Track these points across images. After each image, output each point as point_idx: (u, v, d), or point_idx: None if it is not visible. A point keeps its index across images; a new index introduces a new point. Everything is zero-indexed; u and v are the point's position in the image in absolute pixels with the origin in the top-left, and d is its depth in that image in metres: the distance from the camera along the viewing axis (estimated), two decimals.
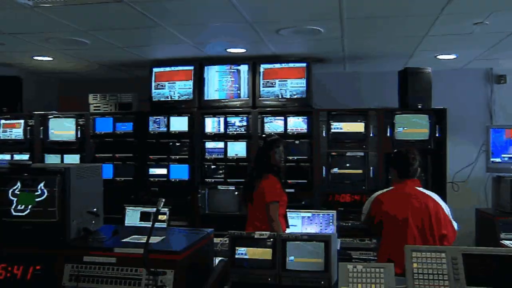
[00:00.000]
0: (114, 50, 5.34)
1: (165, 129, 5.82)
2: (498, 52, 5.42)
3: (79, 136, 6.04)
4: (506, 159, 5.50)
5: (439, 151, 5.31)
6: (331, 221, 4.41)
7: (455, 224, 3.55)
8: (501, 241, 4.99)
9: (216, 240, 3.53)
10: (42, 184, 2.74)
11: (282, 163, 4.24)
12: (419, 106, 5.42)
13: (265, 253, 2.53)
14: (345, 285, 2.31)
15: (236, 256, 2.56)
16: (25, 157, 6.01)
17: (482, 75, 6.49)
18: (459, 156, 6.12)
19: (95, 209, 3.00)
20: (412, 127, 5.35)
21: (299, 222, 4.41)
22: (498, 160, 5.52)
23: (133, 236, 2.86)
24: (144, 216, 4.42)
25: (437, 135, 5.31)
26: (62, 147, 6.07)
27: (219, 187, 5.57)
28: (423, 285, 2.16)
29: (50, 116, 6.16)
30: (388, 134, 5.37)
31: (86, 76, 7.01)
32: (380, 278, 2.30)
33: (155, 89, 5.91)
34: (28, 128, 6.17)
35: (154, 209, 4.13)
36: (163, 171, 5.79)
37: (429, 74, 5.52)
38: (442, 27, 4.38)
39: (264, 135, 4.49)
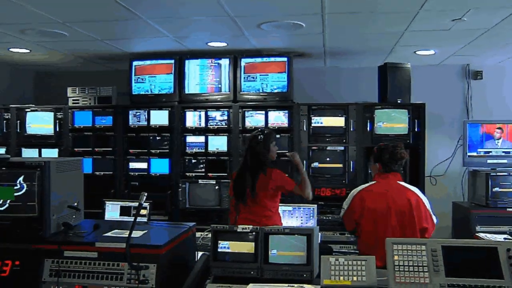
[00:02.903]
0: (93, 43, 5.27)
1: (145, 123, 5.77)
2: (475, 49, 5.51)
3: (57, 129, 5.95)
4: (482, 153, 5.61)
5: (417, 146, 5.38)
6: (311, 214, 4.44)
7: (434, 218, 3.61)
8: (476, 234, 5.09)
9: (197, 234, 3.52)
10: (21, 179, 2.70)
11: (275, 157, 4.23)
12: (399, 101, 5.49)
13: (247, 247, 2.54)
14: (327, 278, 2.34)
15: (219, 250, 2.56)
16: (1, 151, 5.90)
17: (460, 71, 6.59)
18: (437, 151, 6.23)
19: (75, 204, 2.97)
20: (391, 122, 5.42)
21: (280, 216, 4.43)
22: (474, 154, 5.62)
23: (114, 231, 2.85)
24: (124, 211, 4.38)
25: (416, 129, 5.38)
26: (40, 141, 5.98)
27: (200, 181, 5.55)
28: (404, 277, 2.20)
29: (27, 110, 6.05)
30: (368, 129, 5.43)
31: (64, 69, 6.91)
32: (362, 270, 2.34)
33: (135, 82, 5.85)
34: (4, 121, 6.06)
35: (135, 204, 4.14)
36: (144, 165, 5.75)
37: (408, 69, 5.59)
38: (421, 23, 4.43)
39: (249, 128, 4.41)
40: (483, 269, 2.16)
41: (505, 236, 4.84)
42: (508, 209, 5.25)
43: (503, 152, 5.58)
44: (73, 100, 6.04)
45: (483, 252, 2.22)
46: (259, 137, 4.08)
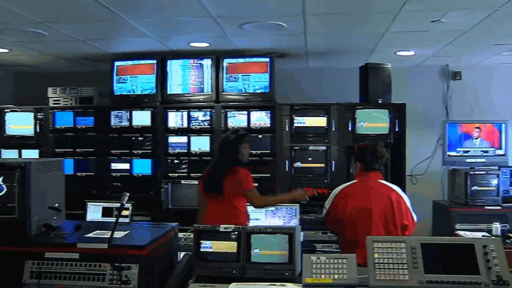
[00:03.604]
0: (74, 43, 5.22)
1: (127, 124, 5.75)
2: (454, 50, 5.59)
3: (37, 130, 5.89)
4: (461, 152, 5.70)
5: (398, 145, 5.45)
6: (294, 214, 4.47)
7: (414, 216, 3.66)
8: (455, 231, 5.19)
9: (180, 234, 3.52)
10: (0, 180, 2.68)
11: (248, 158, 4.28)
12: (380, 101, 5.55)
13: (230, 246, 2.55)
14: (309, 276, 2.36)
15: (201, 250, 2.57)
16: None
17: (439, 72, 6.68)
18: (417, 150, 6.30)
19: (56, 205, 2.96)
20: (372, 122, 5.48)
21: (263, 215, 4.46)
22: (453, 153, 5.71)
23: (96, 231, 2.84)
24: (106, 212, 4.37)
25: (396, 129, 5.45)
26: (20, 142, 5.92)
27: (183, 181, 5.54)
28: (384, 274, 2.23)
29: (6, 110, 5.98)
30: (350, 129, 5.48)
31: (44, 69, 6.83)
32: (343, 268, 2.36)
33: (117, 83, 5.82)
34: None
35: (116, 205, 4.12)
36: (126, 166, 5.72)
37: (389, 70, 5.66)
38: (401, 24, 4.49)
39: (231, 128, 4.46)
40: (460, 266, 2.21)
41: (483, 233, 4.94)
42: (486, 207, 5.35)
43: (481, 151, 5.68)
44: (53, 100, 5.99)
45: (460, 249, 2.27)
46: (230, 137, 4.15)
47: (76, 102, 5.97)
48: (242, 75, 5.63)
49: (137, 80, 5.79)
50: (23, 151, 5.87)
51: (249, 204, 4.11)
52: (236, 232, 2.56)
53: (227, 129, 5.55)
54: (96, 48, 5.52)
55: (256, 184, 4.26)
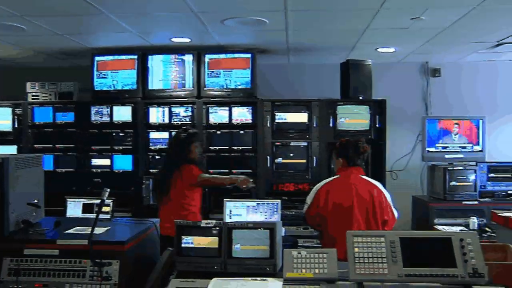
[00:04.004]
0: (53, 37, 5.15)
1: (108, 119, 5.70)
2: (433, 47, 5.67)
3: (16, 126, 5.81)
4: (440, 148, 5.79)
5: (379, 141, 5.50)
6: (275, 209, 4.48)
7: (395, 211, 3.71)
8: (434, 226, 5.26)
9: None
10: None
11: (199, 157, 4.34)
12: (360, 97, 5.60)
13: (211, 242, 2.55)
14: (290, 271, 2.38)
15: (182, 245, 2.56)
16: None
17: (419, 68, 6.75)
18: (397, 146, 6.38)
19: (36, 201, 2.92)
20: (353, 118, 5.53)
21: (244, 211, 4.44)
22: (433, 149, 5.79)
23: (76, 228, 2.82)
24: (86, 208, 4.31)
25: (377, 125, 5.51)
26: None
27: None
28: (364, 268, 2.25)
29: None
30: (331, 124, 5.51)
31: (23, 64, 6.71)
32: (324, 263, 2.38)
33: (97, 78, 5.77)
34: None
35: (97, 201, 4.08)
36: (106, 162, 5.68)
37: (370, 66, 5.71)
38: (382, 21, 4.53)
39: (184, 127, 4.46)
40: (438, 259, 2.24)
41: (461, 228, 5.03)
42: (464, 202, 5.44)
43: (460, 147, 5.77)
44: (32, 95, 5.91)
45: (438, 243, 2.30)
46: (181, 136, 4.17)
47: (55, 97, 5.90)
48: (224, 71, 5.63)
49: (118, 76, 5.74)
50: (1, 147, 5.76)
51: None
52: (217, 228, 2.56)
53: (209, 125, 5.57)
54: (76, 43, 5.45)
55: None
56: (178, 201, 4.08)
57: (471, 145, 5.79)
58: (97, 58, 5.77)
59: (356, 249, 2.31)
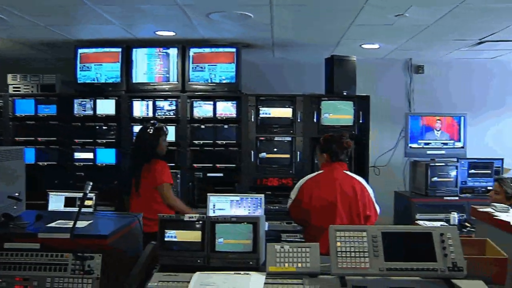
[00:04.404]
0: (35, 29, 5.08)
1: (91, 112, 5.65)
2: (417, 44, 5.72)
3: None
4: (422, 144, 5.85)
5: (362, 137, 5.55)
6: (259, 204, 4.49)
7: (377, 207, 3.74)
8: (416, 221, 5.33)
9: None
10: None
11: (165, 150, 4.35)
12: (344, 93, 5.63)
13: (194, 236, 2.55)
14: (273, 265, 2.39)
15: (166, 239, 2.56)
16: None
17: (402, 65, 6.81)
18: (380, 142, 6.43)
19: (16, 194, 2.89)
20: (337, 113, 5.56)
21: (228, 206, 4.45)
22: (415, 145, 5.86)
23: (58, 221, 2.79)
24: (69, 202, 4.27)
25: (360, 121, 5.55)
26: None
27: None
28: (346, 262, 2.28)
29: None
30: (315, 120, 5.54)
31: (3, 55, 6.61)
32: (306, 257, 2.40)
33: (80, 70, 5.71)
34: None
35: (80, 195, 4.05)
36: (89, 155, 5.64)
37: (354, 62, 5.75)
38: (366, 17, 4.56)
39: (152, 121, 4.46)
40: (418, 253, 2.28)
41: (442, 223, 5.10)
42: (445, 198, 5.52)
43: (441, 143, 5.85)
44: (13, 87, 5.83)
45: (419, 237, 2.34)
46: (149, 130, 4.17)
47: (37, 89, 5.83)
48: (208, 65, 5.61)
49: (102, 68, 5.69)
50: None
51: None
52: (200, 222, 2.56)
53: (193, 119, 5.56)
54: (59, 35, 5.39)
55: (171, 183, 4.26)
56: (149, 195, 4.07)
57: (452, 141, 5.87)
58: (80, 51, 5.70)
59: (339, 244, 2.33)
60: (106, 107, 5.65)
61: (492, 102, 6.66)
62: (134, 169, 4.15)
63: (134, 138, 4.33)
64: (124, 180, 4.19)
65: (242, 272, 2.39)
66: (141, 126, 4.47)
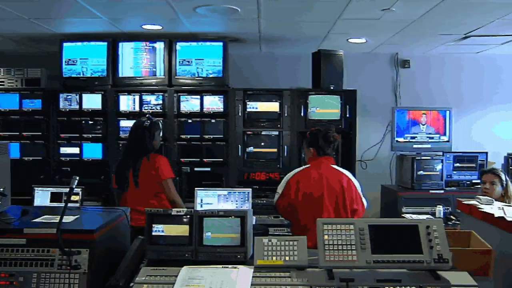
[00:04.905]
0: (19, 22, 5.01)
1: (77, 107, 5.60)
2: (403, 38, 5.75)
3: None
4: (408, 138, 5.90)
5: (349, 131, 5.57)
6: (246, 198, 4.49)
7: (364, 200, 3.77)
8: (402, 214, 5.38)
9: None
10: None
11: (158, 146, 4.34)
12: (331, 87, 5.65)
13: (182, 230, 2.54)
14: (261, 258, 2.40)
15: (153, 234, 2.55)
16: None
17: (389, 60, 6.85)
18: (367, 136, 6.47)
19: (1, 189, 2.85)
20: (324, 107, 5.58)
21: (215, 200, 4.45)
22: (401, 139, 5.91)
23: (44, 216, 2.76)
24: (55, 197, 4.23)
25: (347, 115, 5.57)
26: None
27: None
28: (333, 255, 2.29)
29: None
30: (302, 114, 5.55)
31: None
32: (294, 250, 2.41)
33: (66, 65, 5.65)
34: None
35: (66, 190, 4.02)
36: (75, 150, 5.60)
37: (341, 56, 5.76)
38: (353, 12, 4.57)
39: (147, 115, 4.42)
40: (405, 246, 2.29)
41: (428, 216, 5.15)
42: (431, 191, 5.58)
43: (427, 137, 5.90)
44: None
45: (405, 230, 2.35)
46: (145, 123, 4.13)
47: (22, 84, 5.76)
48: (195, 59, 5.59)
49: (88, 63, 5.64)
50: None
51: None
52: (188, 216, 2.56)
53: (180, 113, 5.54)
54: (44, 28, 5.32)
55: (174, 177, 4.24)
56: (149, 191, 4.03)
57: (438, 135, 5.93)
58: (65, 45, 5.64)
59: (326, 237, 2.34)
60: (92, 101, 5.61)
61: (477, 97, 6.73)
62: (132, 163, 4.07)
63: (129, 132, 4.26)
64: (118, 173, 4.11)
65: (230, 266, 2.39)
66: (135, 121, 4.39)
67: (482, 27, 5.13)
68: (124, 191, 4.09)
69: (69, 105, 5.62)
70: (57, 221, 2.42)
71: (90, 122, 5.62)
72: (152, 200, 3.99)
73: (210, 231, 2.53)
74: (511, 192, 4.26)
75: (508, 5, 4.27)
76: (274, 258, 2.40)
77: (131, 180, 4.05)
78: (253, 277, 2.29)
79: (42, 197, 4.23)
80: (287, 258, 2.40)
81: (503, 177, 4.31)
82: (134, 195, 4.04)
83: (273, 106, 5.58)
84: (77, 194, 3.98)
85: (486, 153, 5.90)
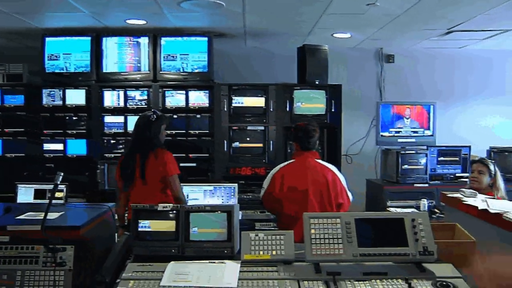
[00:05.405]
0: (0, 16, 4.93)
1: (60, 103, 5.54)
2: (387, 33, 5.77)
3: None
4: (393, 133, 5.94)
5: (334, 125, 5.60)
6: (232, 193, 4.50)
7: (350, 194, 3.79)
8: (387, 208, 5.42)
9: None
10: None
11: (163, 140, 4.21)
12: (317, 82, 5.66)
13: (168, 225, 2.53)
14: (248, 253, 2.40)
15: (139, 229, 2.54)
16: None
17: (373, 54, 6.87)
18: (352, 130, 6.48)
19: None
20: (309, 102, 5.59)
21: (201, 195, 4.45)
22: (386, 134, 5.94)
23: (28, 213, 2.74)
24: (38, 194, 4.20)
25: (333, 110, 5.59)
26: None
27: None
28: (320, 249, 2.30)
29: None
30: (287, 109, 5.56)
31: None
32: (281, 245, 2.42)
33: (48, 60, 5.57)
34: None
35: (50, 186, 3.98)
36: (59, 146, 5.53)
37: (326, 51, 5.77)
38: (338, 6, 4.57)
39: (153, 110, 4.28)
40: (391, 239, 2.32)
41: (413, 209, 5.19)
42: (415, 185, 5.62)
43: (412, 131, 5.95)
44: None
45: (391, 223, 2.38)
46: (152, 117, 4.02)
47: (3, 79, 5.69)
48: (180, 54, 5.56)
49: (71, 58, 5.57)
50: None
51: None
52: (174, 211, 2.55)
53: (165, 109, 5.50)
54: (25, 23, 5.24)
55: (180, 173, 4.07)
56: (156, 186, 3.88)
57: (422, 129, 5.97)
58: (48, 39, 5.57)
59: (313, 231, 2.35)
60: (76, 97, 5.55)
61: (460, 91, 6.79)
62: (140, 158, 3.90)
63: (134, 126, 4.10)
64: (124, 168, 3.95)
65: (217, 261, 2.39)
66: (140, 115, 4.20)
67: (465, 22, 5.17)
68: (129, 185, 3.94)
69: (52, 101, 5.55)
70: (42, 217, 2.40)
71: (74, 118, 5.56)
72: (158, 196, 3.83)
73: (196, 226, 2.53)
74: (499, 184, 4.29)
75: None
76: (261, 252, 2.41)
77: (137, 175, 3.89)
78: (240, 271, 2.29)
79: (25, 194, 4.19)
80: (274, 252, 2.41)
81: (491, 167, 4.34)
82: (140, 191, 3.87)
83: (258, 101, 5.57)
84: (61, 190, 3.96)
85: (469, 147, 5.96)
